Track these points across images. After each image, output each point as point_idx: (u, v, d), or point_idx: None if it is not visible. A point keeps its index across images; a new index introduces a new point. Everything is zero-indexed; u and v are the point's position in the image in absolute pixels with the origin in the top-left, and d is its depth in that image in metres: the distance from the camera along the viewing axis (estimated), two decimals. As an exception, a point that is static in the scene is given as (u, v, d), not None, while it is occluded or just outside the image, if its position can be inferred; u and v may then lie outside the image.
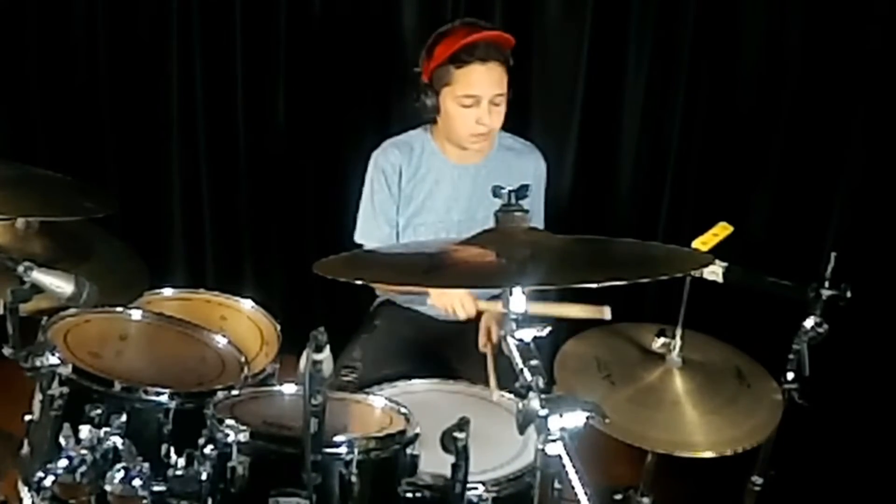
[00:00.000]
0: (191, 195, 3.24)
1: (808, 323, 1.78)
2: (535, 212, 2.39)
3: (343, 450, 1.48)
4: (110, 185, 3.21)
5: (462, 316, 2.12)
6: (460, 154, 2.32)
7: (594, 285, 1.27)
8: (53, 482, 1.58)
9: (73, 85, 3.18)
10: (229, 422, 1.52)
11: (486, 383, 1.97)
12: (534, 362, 1.34)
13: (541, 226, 2.40)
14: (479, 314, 2.16)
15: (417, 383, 1.97)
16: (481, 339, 2.14)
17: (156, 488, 1.57)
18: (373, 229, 2.34)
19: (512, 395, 1.80)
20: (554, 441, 1.26)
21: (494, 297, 2.17)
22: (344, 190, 2.81)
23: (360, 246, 2.34)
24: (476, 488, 1.58)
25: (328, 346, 1.41)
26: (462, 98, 2.16)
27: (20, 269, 1.61)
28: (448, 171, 2.34)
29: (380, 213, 2.33)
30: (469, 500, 1.57)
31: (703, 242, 1.85)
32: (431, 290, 2.15)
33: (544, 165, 2.41)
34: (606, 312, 1.97)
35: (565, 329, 1.97)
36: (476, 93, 2.15)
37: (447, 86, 2.18)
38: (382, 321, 2.41)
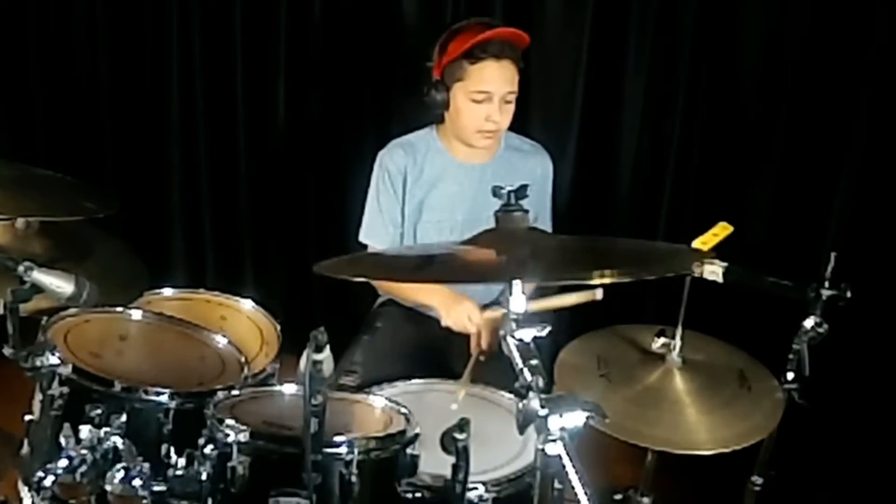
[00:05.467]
0: (191, 195, 3.23)
1: (808, 323, 1.77)
2: (543, 213, 2.39)
3: (343, 450, 1.48)
4: (110, 185, 3.21)
5: (472, 329, 2.10)
6: (467, 153, 2.31)
7: (594, 285, 1.27)
8: (53, 482, 1.57)
9: (73, 85, 3.18)
10: (229, 422, 1.52)
11: (463, 380, 1.97)
12: (534, 362, 1.33)
13: (549, 226, 2.41)
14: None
15: (417, 383, 1.97)
16: (472, 342, 2.14)
17: (156, 488, 1.57)
18: (378, 229, 2.34)
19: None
20: (554, 441, 1.25)
21: (494, 305, 2.17)
22: (344, 190, 2.82)
23: (365, 246, 2.34)
24: (476, 488, 1.58)
25: (328, 346, 1.41)
26: (474, 93, 2.16)
27: (20, 269, 1.61)
28: (454, 170, 2.33)
29: (385, 214, 2.33)
30: (469, 501, 1.57)
31: (703, 242, 1.85)
32: (442, 311, 2.15)
33: (551, 166, 2.41)
34: (598, 293, 1.98)
35: (566, 331, 1.97)
36: (489, 89, 2.15)
37: (459, 81, 2.17)
38: (384, 322, 2.40)
